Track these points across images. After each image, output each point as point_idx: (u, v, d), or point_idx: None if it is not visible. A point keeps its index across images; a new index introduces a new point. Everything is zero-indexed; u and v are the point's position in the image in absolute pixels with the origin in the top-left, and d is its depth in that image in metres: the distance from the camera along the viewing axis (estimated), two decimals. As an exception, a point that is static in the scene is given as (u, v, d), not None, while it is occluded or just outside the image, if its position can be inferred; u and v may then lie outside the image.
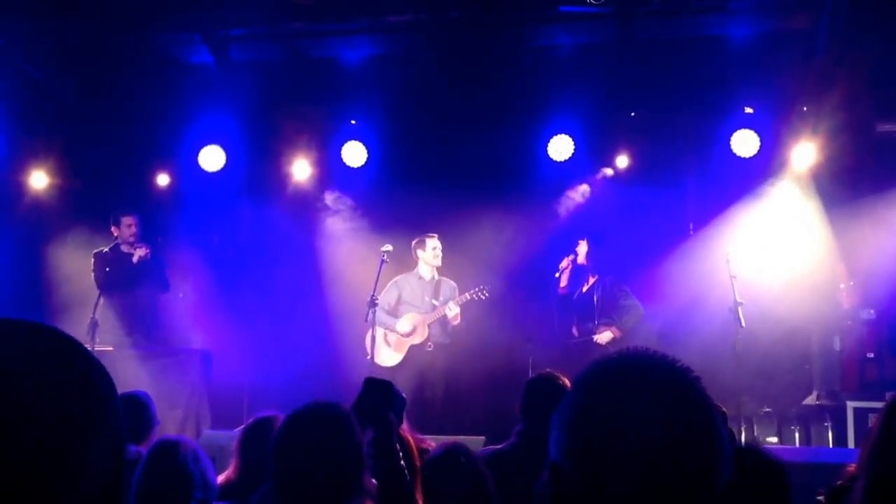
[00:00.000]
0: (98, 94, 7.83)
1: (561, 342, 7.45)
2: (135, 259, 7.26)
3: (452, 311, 7.23)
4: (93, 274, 7.36)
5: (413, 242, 7.52)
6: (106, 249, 7.41)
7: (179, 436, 3.52)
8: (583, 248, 7.48)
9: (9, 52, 7.36)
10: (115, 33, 7.25)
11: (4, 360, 0.83)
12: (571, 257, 7.49)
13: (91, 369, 0.89)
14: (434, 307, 7.38)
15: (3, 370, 0.83)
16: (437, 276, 7.54)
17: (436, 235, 7.49)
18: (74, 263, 7.75)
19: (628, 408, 1.09)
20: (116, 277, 7.23)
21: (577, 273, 7.53)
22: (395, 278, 7.53)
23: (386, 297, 7.42)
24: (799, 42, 7.23)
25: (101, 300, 7.08)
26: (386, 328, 7.36)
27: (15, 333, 0.88)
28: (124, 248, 7.36)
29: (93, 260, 7.40)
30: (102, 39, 7.31)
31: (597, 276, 7.51)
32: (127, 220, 7.33)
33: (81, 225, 7.83)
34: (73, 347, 0.90)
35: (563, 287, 7.54)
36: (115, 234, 7.40)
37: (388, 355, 7.36)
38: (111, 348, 6.93)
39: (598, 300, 7.36)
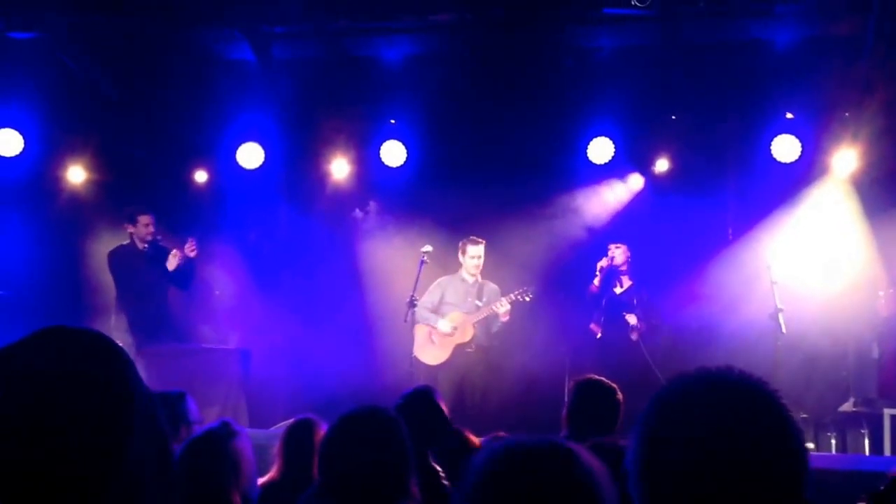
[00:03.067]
0: (138, 89, 7.79)
1: (595, 343, 7.49)
2: (189, 252, 7.21)
3: (503, 307, 7.24)
4: (111, 273, 7.31)
5: (460, 243, 7.51)
6: (124, 244, 7.35)
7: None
8: (621, 251, 7.50)
9: (50, 47, 7.33)
10: (156, 29, 7.22)
11: (46, 363, 0.87)
12: (609, 259, 7.51)
13: (125, 370, 0.92)
14: (478, 308, 7.39)
15: (45, 373, 0.87)
16: (479, 280, 7.54)
17: (482, 242, 7.44)
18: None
19: (700, 420, 1.10)
20: (135, 276, 7.22)
21: (611, 275, 7.55)
22: (439, 279, 7.54)
23: (429, 297, 7.43)
24: (843, 48, 7.19)
25: (123, 299, 7.10)
26: (428, 325, 7.36)
27: (56, 338, 0.91)
28: (140, 246, 7.33)
29: (110, 259, 7.34)
30: (143, 35, 7.27)
31: (633, 281, 7.58)
32: (144, 220, 7.29)
33: (117, 220, 7.82)
34: (109, 350, 0.93)
35: (596, 287, 7.55)
36: (131, 232, 7.35)
37: (432, 354, 7.36)
38: (149, 345, 6.94)
39: (637, 302, 7.44)
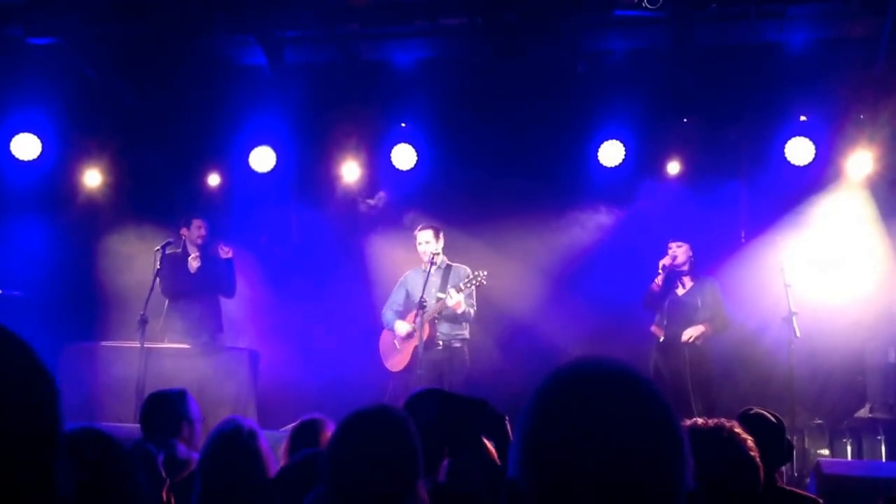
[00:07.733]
0: (152, 94, 7.90)
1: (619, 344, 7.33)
2: (223, 255, 7.27)
3: (453, 298, 6.69)
4: (157, 271, 7.18)
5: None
6: (177, 250, 7.38)
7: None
8: (683, 250, 7.11)
9: (67, 53, 7.45)
10: (171, 35, 7.31)
11: None
12: (671, 258, 7.09)
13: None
14: (439, 300, 6.87)
15: None
16: (443, 266, 7.04)
17: (430, 228, 6.98)
18: (124, 260, 7.85)
19: (585, 418, 1.04)
20: (184, 278, 7.28)
21: (672, 275, 7.15)
22: (404, 275, 7.23)
23: (395, 297, 7.15)
24: (857, 49, 7.13)
25: (168, 302, 7.14)
26: (390, 330, 7.09)
27: None
28: (191, 250, 7.40)
29: (158, 256, 7.09)
30: (158, 41, 7.37)
31: (694, 282, 7.19)
32: (197, 223, 7.39)
33: (132, 223, 7.92)
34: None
35: (658, 286, 7.09)
36: (184, 236, 7.42)
37: (395, 359, 7.07)
38: (158, 345, 6.99)
39: (702, 304, 7.04)
